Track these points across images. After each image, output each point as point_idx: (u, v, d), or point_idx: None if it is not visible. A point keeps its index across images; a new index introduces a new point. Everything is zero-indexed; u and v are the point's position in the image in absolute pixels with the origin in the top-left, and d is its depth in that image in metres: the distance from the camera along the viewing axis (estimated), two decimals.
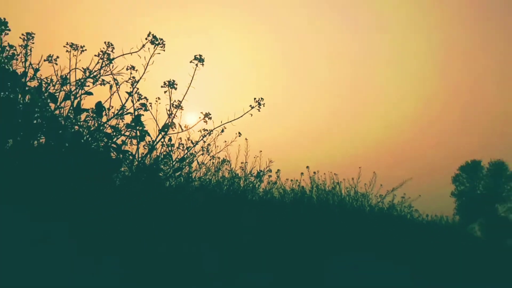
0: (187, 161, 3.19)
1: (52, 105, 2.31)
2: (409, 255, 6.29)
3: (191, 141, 3.06)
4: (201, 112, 2.85)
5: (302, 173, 5.87)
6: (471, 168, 52.89)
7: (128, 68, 2.57)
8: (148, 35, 2.38)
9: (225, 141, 3.70)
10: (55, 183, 1.90)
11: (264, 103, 2.97)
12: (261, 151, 4.44)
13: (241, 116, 2.94)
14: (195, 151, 3.25)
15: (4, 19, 2.01)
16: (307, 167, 5.94)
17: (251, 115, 2.94)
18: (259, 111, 2.97)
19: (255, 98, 2.95)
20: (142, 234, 1.95)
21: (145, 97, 2.62)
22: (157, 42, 2.40)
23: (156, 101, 2.81)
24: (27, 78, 2.24)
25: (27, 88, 2.07)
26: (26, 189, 1.76)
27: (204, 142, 3.10)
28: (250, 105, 2.95)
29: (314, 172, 6.06)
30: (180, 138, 3.15)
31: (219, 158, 4.07)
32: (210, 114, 2.87)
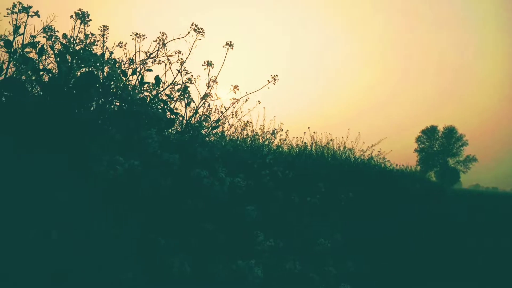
0: (221, 122, 3.16)
1: (123, 78, 2.30)
2: (380, 193, 6.27)
3: (224, 107, 3.04)
4: (231, 85, 2.79)
5: (304, 133, 5.81)
6: (430, 131, 51.87)
7: (176, 52, 2.52)
8: (192, 25, 2.31)
9: (249, 108, 3.64)
10: (128, 133, 1.92)
11: (278, 79, 2.88)
12: (274, 116, 4.39)
13: (261, 88, 2.84)
14: (226, 115, 3.22)
15: (87, 12, 1.97)
16: (309, 127, 5.87)
17: (268, 87, 2.86)
18: (274, 85, 2.89)
19: (271, 75, 2.86)
20: (190, 168, 1.98)
21: (190, 73, 2.58)
22: (198, 30, 2.33)
23: (198, 77, 2.77)
24: (105, 58, 2.21)
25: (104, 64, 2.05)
26: (107, 136, 1.78)
27: (233, 108, 3.07)
28: (268, 80, 2.87)
29: (314, 132, 5.99)
30: (216, 105, 3.11)
31: (244, 120, 4.05)
32: (238, 86, 2.81)
